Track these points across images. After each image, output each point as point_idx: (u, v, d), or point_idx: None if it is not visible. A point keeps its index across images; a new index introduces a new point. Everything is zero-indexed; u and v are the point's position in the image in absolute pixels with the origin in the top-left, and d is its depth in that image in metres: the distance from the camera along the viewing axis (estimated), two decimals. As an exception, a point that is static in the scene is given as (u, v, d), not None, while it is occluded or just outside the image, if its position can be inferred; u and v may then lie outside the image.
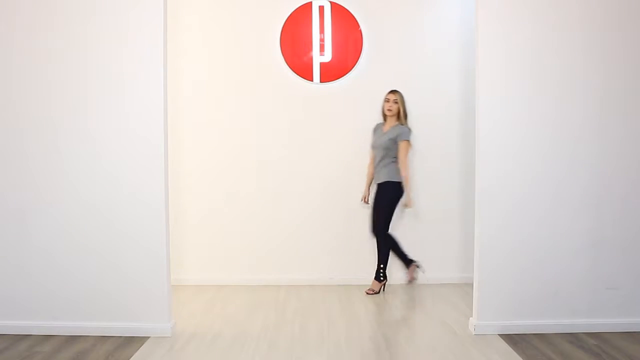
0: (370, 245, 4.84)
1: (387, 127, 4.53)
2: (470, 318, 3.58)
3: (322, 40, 4.83)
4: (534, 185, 3.46)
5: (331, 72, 4.82)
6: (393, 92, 4.52)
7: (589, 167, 3.47)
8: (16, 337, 3.37)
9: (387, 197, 4.48)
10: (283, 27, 4.81)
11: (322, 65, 4.82)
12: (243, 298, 4.41)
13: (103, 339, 3.36)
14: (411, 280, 4.64)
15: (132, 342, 3.32)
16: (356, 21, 4.82)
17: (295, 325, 3.71)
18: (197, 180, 4.87)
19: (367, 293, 4.50)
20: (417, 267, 4.64)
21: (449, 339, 3.43)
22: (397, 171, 4.46)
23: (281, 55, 4.83)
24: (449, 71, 4.83)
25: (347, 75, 4.83)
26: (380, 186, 4.51)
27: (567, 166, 3.47)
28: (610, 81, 3.45)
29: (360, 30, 4.83)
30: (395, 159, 4.47)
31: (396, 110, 4.48)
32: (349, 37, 4.83)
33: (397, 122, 4.49)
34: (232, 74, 4.85)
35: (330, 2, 4.81)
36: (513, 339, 3.35)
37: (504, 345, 3.27)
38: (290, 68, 4.83)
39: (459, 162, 4.85)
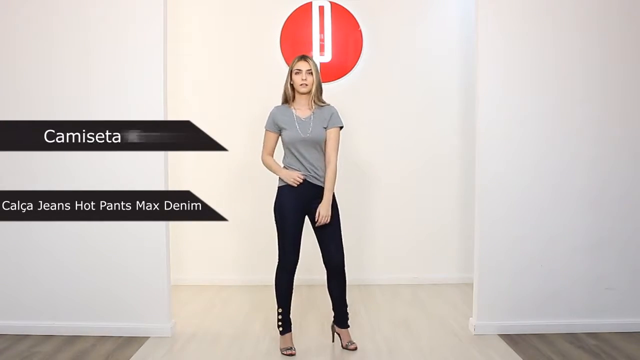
0: (370, 245, 4.84)
1: (303, 111, 3.20)
2: (470, 318, 3.58)
3: (322, 40, 4.83)
4: (533, 185, 3.47)
5: (331, 72, 4.82)
6: (304, 59, 3.17)
7: (588, 167, 3.48)
8: (16, 337, 3.37)
9: (337, 212, 3.24)
10: (283, 27, 4.81)
11: (322, 66, 4.81)
12: (243, 298, 4.41)
13: (103, 339, 3.37)
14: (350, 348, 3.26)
15: (132, 342, 3.32)
16: (356, 21, 4.82)
17: (295, 326, 3.70)
18: (197, 180, 4.86)
19: (351, 349, 3.23)
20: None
21: (449, 339, 3.43)
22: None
23: (281, 55, 4.82)
24: (449, 71, 4.83)
25: (347, 75, 4.83)
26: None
27: (566, 166, 3.47)
28: (610, 80, 3.45)
29: (360, 31, 4.83)
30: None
31: (311, 85, 3.16)
32: (349, 37, 4.83)
33: (314, 102, 3.19)
34: (232, 74, 4.84)
35: (330, 2, 4.81)
36: (513, 339, 3.35)
37: (504, 345, 3.28)
38: (290, 68, 4.82)
39: (459, 162, 4.85)
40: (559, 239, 3.49)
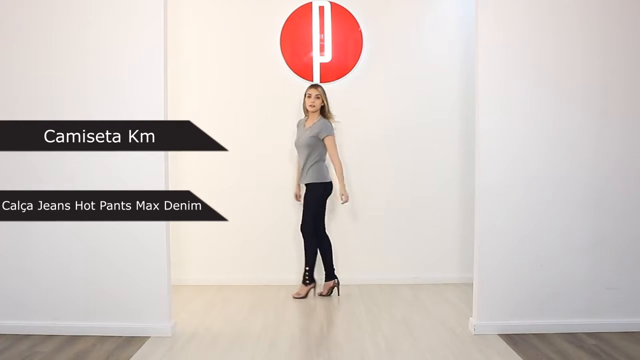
0: (370, 245, 4.84)
1: (309, 123, 4.43)
2: (470, 318, 3.58)
3: (322, 40, 4.83)
4: (534, 185, 3.47)
5: (331, 73, 4.82)
6: (314, 86, 4.43)
7: (589, 167, 3.48)
8: (16, 337, 3.37)
9: (315, 197, 4.38)
10: (283, 27, 4.81)
11: (322, 66, 4.82)
12: (243, 298, 4.41)
13: (103, 339, 3.36)
14: (323, 294, 4.45)
15: (132, 342, 3.32)
16: (356, 21, 4.83)
17: (295, 326, 3.71)
18: (197, 180, 4.85)
19: (294, 297, 4.37)
20: (336, 285, 4.47)
21: (449, 339, 3.43)
22: (324, 170, 4.40)
23: (281, 56, 4.83)
24: (449, 71, 4.83)
25: (347, 75, 4.83)
26: (308, 187, 4.41)
27: (566, 166, 3.47)
28: (610, 80, 3.45)
29: (360, 31, 4.83)
30: (320, 157, 4.38)
31: (319, 106, 4.37)
32: (349, 37, 4.83)
33: (319, 117, 4.38)
34: (232, 74, 4.84)
35: (330, 2, 4.81)
36: (513, 339, 3.35)
37: (504, 345, 3.28)
38: (290, 68, 4.83)
39: (459, 162, 4.85)
40: (559, 238, 3.49)
